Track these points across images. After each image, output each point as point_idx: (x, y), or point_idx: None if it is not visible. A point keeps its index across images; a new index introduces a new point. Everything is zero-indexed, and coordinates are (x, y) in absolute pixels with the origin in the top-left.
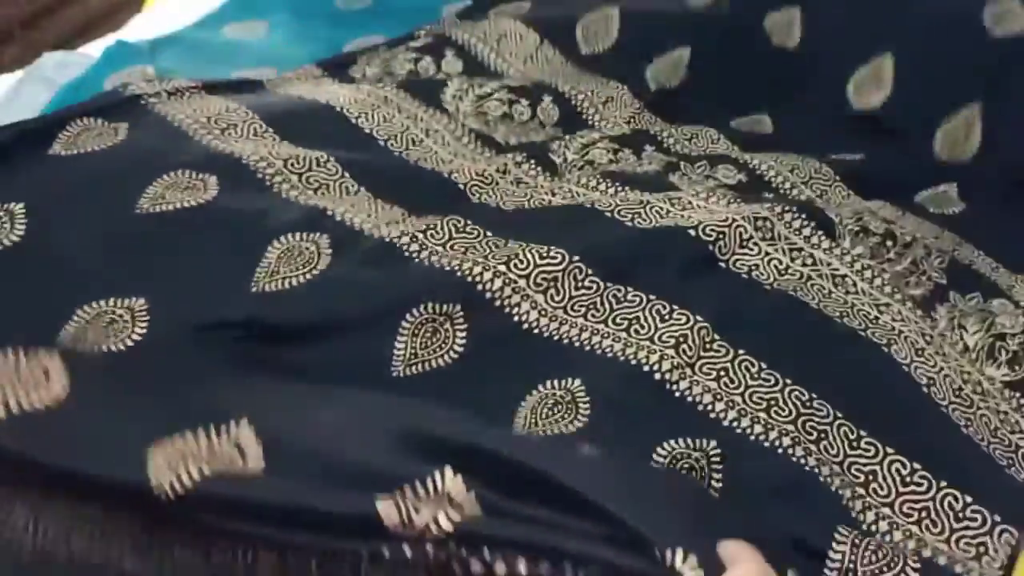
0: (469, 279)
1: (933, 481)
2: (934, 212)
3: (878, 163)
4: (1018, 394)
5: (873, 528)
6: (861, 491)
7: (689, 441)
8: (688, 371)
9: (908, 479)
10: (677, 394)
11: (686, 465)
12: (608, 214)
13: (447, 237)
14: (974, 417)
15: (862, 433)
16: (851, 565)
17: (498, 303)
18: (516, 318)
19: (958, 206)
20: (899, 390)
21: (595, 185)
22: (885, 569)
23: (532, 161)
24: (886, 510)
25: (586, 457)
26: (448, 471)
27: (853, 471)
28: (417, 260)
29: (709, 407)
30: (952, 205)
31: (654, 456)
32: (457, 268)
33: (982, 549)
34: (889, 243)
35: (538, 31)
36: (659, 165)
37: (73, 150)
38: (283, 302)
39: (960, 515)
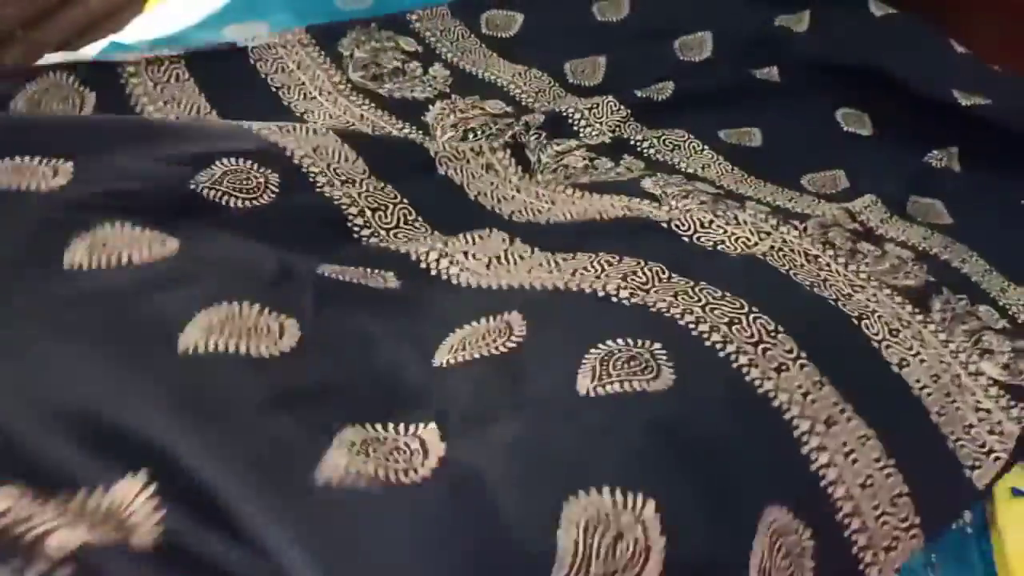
0: (407, 255)
1: (884, 455)
2: (922, 223)
3: (867, 173)
4: (1007, 395)
5: (815, 461)
6: (821, 428)
7: (630, 340)
8: (639, 292)
9: (863, 442)
10: (627, 303)
11: (626, 356)
12: (561, 218)
13: (394, 224)
14: (949, 408)
15: (824, 380)
16: None
17: (434, 272)
18: (453, 281)
19: (947, 220)
20: (867, 361)
21: (562, 191)
22: None
23: (508, 151)
24: (839, 458)
25: (318, 493)
26: (138, 479)
27: (814, 407)
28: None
29: (663, 309)
30: (940, 219)
31: (587, 354)
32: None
33: (911, 534)
34: (866, 249)
35: (527, 66)
36: (636, 173)
37: (35, 110)
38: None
39: (895, 499)
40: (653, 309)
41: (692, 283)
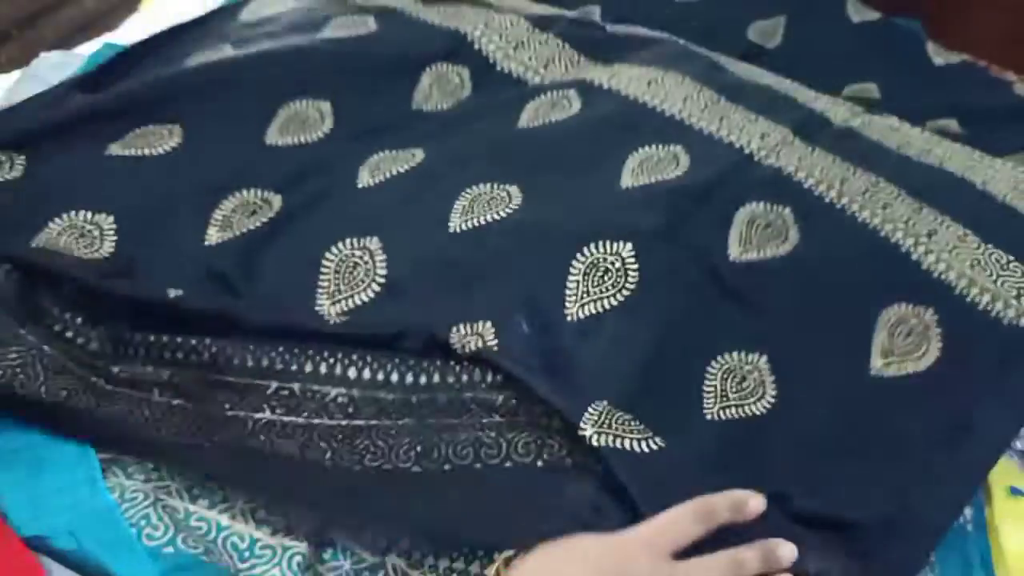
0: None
1: (981, 242)
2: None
3: None
4: None
5: (934, 268)
6: (925, 240)
7: (768, 205)
8: (774, 153)
9: (963, 238)
10: (763, 163)
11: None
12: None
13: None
14: None
15: (923, 204)
16: None
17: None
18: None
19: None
20: (950, 185)
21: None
22: None
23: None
24: (946, 255)
25: None
26: None
27: (916, 227)
28: None
29: (792, 174)
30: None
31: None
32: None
33: (1021, 291)
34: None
35: None
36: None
37: None
38: None
39: (1004, 267)
40: (784, 175)
41: (811, 148)
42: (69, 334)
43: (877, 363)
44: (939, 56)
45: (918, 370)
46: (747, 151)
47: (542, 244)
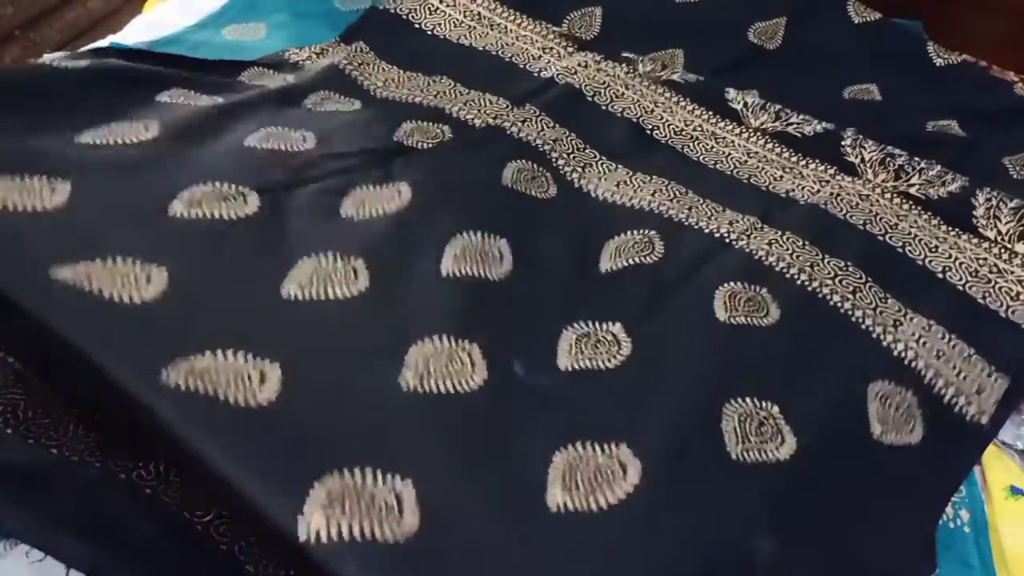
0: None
1: (947, 333)
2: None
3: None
4: None
5: (904, 356)
6: (892, 330)
7: (745, 284)
8: (744, 237)
9: (928, 328)
10: (734, 246)
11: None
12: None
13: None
14: (992, 290)
15: (888, 294)
16: None
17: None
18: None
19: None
20: (913, 275)
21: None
22: None
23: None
24: (913, 344)
25: None
26: None
27: (883, 316)
28: None
29: (763, 258)
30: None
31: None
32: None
33: (982, 387)
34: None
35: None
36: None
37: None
38: None
39: (967, 360)
40: (756, 258)
41: (780, 233)
42: None
43: (876, 429)
44: (940, 57)
45: (912, 443)
46: (717, 235)
47: (534, 313)
